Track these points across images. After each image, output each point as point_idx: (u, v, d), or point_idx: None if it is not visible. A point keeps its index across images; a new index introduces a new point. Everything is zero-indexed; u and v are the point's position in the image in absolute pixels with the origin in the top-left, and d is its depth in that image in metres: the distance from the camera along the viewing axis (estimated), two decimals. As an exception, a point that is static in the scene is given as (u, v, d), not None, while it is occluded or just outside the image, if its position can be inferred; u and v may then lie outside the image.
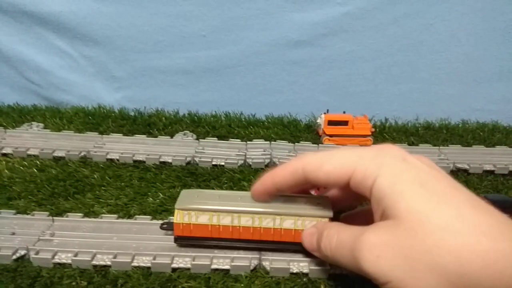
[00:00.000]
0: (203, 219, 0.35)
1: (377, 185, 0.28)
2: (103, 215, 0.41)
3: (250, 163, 0.52)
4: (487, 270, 0.24)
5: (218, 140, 0.58)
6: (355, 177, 0.29)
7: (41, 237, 0.37)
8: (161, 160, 0.52)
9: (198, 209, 0.35)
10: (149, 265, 0.35)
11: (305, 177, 0.32)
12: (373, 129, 0.60)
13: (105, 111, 0.66)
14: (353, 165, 0.30)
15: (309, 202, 0.35)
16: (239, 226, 0.35)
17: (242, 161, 0.53)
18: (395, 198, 0.27)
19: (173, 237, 0.36)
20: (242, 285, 0.34)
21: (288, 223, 0.35)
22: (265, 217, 0.35)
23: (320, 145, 0.58)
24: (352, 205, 0.38)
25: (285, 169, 0.33)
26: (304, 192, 0.37)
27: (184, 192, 0.37)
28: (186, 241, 0.36)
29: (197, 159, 0.52)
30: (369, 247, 0.27)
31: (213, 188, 0.47)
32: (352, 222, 0.31)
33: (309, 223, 0.35)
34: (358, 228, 0.29)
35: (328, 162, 0.31)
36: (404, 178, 0.28)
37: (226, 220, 0.35)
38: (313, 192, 0.39)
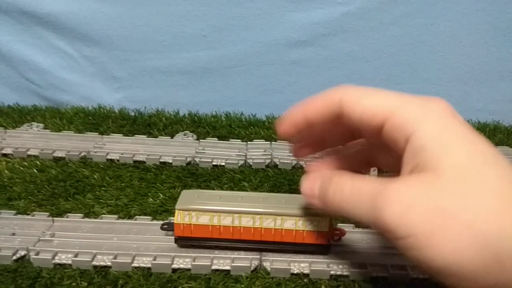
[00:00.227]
0: (204, 219, 0.35)
1: (420, 133, 0.25)
2: (103, 215, 0.41)
3: (251, 163, 0.52)
4: None
5: (219, 140, 0.58)
6: (394, 120, 0.26)
7: (41, 238, 0.37)
8: (161, 160, 0.52)
9: (199, 209, 0.35)
10: (149, 265, 0.35)
11: (340, 110, 0.28)
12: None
13: (105, 111, 0.66)
14: (395, 106, 0.26)
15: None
16: (240, 227, 0.35)
17: (242, 162, 0.53)
18: (440, 150, 0.24)
19: (173, 237, 0.36)
20: (243, 285, 0.34)
21: (289, 224, 0.35)
22: (266, 218, 0.35)
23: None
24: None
25: (320, 98, 0.30)
26: (340, 140, 0.34)
27: (185, 193, 0.37)
28: (186, 241, 0.36)
29: (197, 160, 0.52)
30: (398, 196, 0.24)
31: (213, 189, 0.47)
32: None
33: (310, 224, 0.35)
34: (381, 179, 0.26)
35: (369, 98, 0.28)
36: (453, 132, 0.25)
37: (226, 221, 0.35)
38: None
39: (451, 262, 0.23)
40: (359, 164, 0.34)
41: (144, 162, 0.52)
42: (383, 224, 0.24)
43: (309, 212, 0.35)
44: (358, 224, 0.38)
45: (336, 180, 0.28)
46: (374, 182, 0.26)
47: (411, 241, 0.24)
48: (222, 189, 0.47)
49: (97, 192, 0.45)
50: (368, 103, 0.27)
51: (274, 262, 0.35)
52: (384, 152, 0.31)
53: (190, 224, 0.35)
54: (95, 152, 0.52)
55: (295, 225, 0.35)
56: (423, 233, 0.23)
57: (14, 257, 0.35)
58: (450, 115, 0.26)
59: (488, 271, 0.22)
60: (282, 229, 0.35)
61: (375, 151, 0.33)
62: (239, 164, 0.52)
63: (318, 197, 0.30)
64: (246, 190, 0.47)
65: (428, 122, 0.25)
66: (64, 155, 0.52)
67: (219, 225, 0.35)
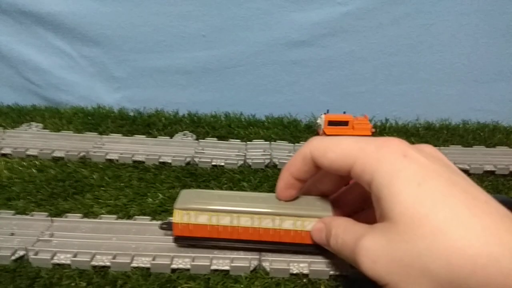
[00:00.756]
0: (203, 219, 0.35)
1: (375, 183, 0.28)
2: (102, 215, 0.41)
3: (250, 163, 0.52)
4: (477, 275, 0.23)
5: (218, 140, 0.58)
6: (355, 170, 0.29)
7: (40, 238, 0.37)
8: (160, 160, 0.52)
9: (198, 209, 0.35)
10: (148, 265, 0.35)
11: (314, 162, 0.32)
12: (373, 130, 0.60)
13: (104, 111, 0.66)
14: (354, 156, 0.29)
15: (309, 203, 0.35)
16: (238, 227, 0.35)
17: (242, 162, 0.52)
18: (391, 200, 0.27)
19: (172, 237, 0.36)
20: (242, 286, 0.34)
21: (288, 224, 0.35)
22: (264, 218, 0.35)
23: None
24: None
25: (296, 157, 0.33)
26: (341, 185, 0.36)
27: (184, 192, 0.36)
28: (185, 241, 0.36)
29: (196, 160, 0.52)
30: (365, 252, 0.27)
31: (212, 189, 0.47)
32: (362, 215, 0.32)
33: (308, 224, 0.34)
34: (360, 228, 0.29)
35: (332, 150, 0.31)
36: (402, 177, 0.27)
37: (225, 220, 0.35)
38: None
39: None
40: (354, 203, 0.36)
41: (143, 162, 0.52)
42: (365, 274, 0.27)
43: (307, 212, 0.35)
44: None
45: (334, 233, 0.32)
46: (354, 235, 0.29)
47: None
48: (221, 189, 0.47)
49: (96, 192, 0.45)
50: (332, 156, 0.31)
51: (273, 262, 0.35)
52: None
53: (189, 223, 0.35)
54: (94, 152, 0.52)
55: (293, 225, 0.35)
56: (393, 282, 0.26)
57: (13, 257, 0.35)
58: (401, 155, 0.28)
59: None
60: (280, 229, 0.35)
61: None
62: (238, 164, 0.52)
63: (328, 245, 0.33)
64: (246, 190, 0.47)
65: (380, 171, 0.28)
66: (63, 155, 0.52)
67: (218, 225, 0.35)
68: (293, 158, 0.34)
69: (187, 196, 0.36)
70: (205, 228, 0.35)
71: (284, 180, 0.34)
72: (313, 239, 0.34)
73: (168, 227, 0.37)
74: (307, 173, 0.33)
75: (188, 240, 0.36)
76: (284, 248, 0.36)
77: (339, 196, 0.37)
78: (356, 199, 0.35)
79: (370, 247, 0.27)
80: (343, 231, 0.31)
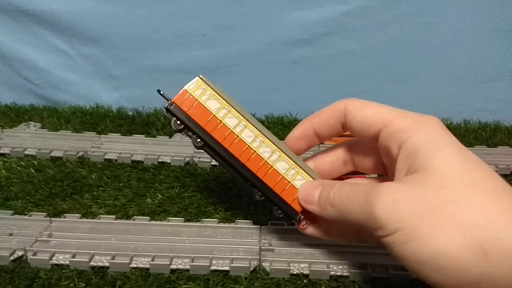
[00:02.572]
0: (212, 104, 0.32)
1: (413, 139, 0.27)
2: (101, 215, 0.41)
3: (250, 163, 0.52)
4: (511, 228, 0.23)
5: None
6: (390, 127, 0.29)
7: (38, 238, 0.37)
8: (159, 160, 0.52)
9: (218, 92, 0.32)
10: (147, 266, 0.35)
11: (344, 118, 0.31)
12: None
13: (103, 110, 0.66)
14: (392, 116, 0.29)
15: (309, 169, 0.34)
16: (237, 136, 0.32)
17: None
18: (432, 153, 0.26)
19: (167, 102, 0.33)
20: (242, 286, 0.34)
21: (282, 166, 0.33)
22: (267, 145, 0.32)
23: (320, 145, 0.57)
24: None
25: (325, 109, 0.32)
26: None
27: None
28: (177, 114, 0.32)
29: (196, 159, 0.52)
30: (388, 190, 0.26)
31: (212, 189, 0.47)
32: None
33: (300, 180, 0.33)
34: (373, 183, 0.29)
35: (370, 107, 0.30)
36: (444, 140, 0.27)
37: (231, 121, 0.32)
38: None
39: (437, 252, 0.24)
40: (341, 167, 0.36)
41: (142, 162, 0.51)
42: (374, 219, 0.26)
43: (307, 169, 0.33)
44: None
45: (339, 185, 0.30)
46: (370, 183, 0.28)
47: (400, 235, 0.25)
48: (221, 189, 0.47)
49: (94, 192, 0.45)
50: (369, 111, 0.30)
51: (274, 263, 0.35)
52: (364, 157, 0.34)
53: (196, 100, 0.32)
54: (93, 152, 0.52)
55: (286, 171, 0.32)
56: (411, 226, 0.24)
57: (12, 258, 0.35)
58: (441, 128, 0.28)
59: (473, 263, 0.23)
60: (271, 166, 0.32)
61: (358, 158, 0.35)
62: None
63: (317, 201, 0.31)
64: (245, 190, 0.46)
65: (420, 131, 0.27)
66: (61, 155, 0.52)
67: (220, 121, 0.32)
68: (321, 110, 0.33)
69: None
70: (206, 115, 0.32)
71: (301, 128, 0.33)
72: (299, 196, 0.32)
73: (165, 96, 0.33)
74: (330, 127, 0.32)
75: (180, 115, 0.32)
76: (257, 190, 0.33)
77: None
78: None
79: (395, 187, 0.26)
80: (352, 183, 0.30)
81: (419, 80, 0.70)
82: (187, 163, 0.52)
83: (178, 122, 0.33)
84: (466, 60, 0.69)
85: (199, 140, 0.33)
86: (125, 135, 0.57)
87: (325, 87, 0.71)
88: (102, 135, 0.57)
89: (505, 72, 0.69)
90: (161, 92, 0.33)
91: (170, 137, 0.58)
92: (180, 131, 0.33)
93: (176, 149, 0.54)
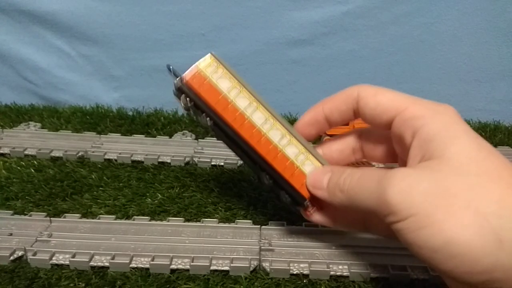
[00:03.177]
0: (224, 84, 0.31)
1: (428, 127, 0.26)
2: (101, 215, 0.41)
3: (250, 163, 0.52)
4: None
5: (218, 140, 0.57)
6: (404, 114, 0.28)
7: (38, 238, 0.37)
8: (159, 160, 0.52)
9: (230, 71, 0.31)
10: (147, 266, 0.35)
11: (357, 105, 0.30)
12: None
13: (103, 110, 0.66)
14: (406, 103, 0.28)
15: (319, 155, 0.33)
16: (247, 118, 0.31)
17: (241, 161, 0.52)
18: (448, 141, 0.25)
19: (175, 81, 0.31)
20: (242, 286, 0.34)
21: (291, 150, 0.32)
22: (277, 129, 0.32)
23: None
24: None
25: (338, 94, 0.32)
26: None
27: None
28: (186, 91, 0.31)
29: (196, 159, 0.52)
30: (402, 175, 0.25)
31: (212, 189, 0.47)
32: None
33: (309, 165, 0.32)
34: (385, 169, 0.28)
35: (383, 93, 0.30)
36: (460, 129, 0.26)
37: (242, 102, 0.31)
38: None
39: (451, 239, 0.23)
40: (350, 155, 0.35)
41: (142, 162, 0.51)
42: (385, 204, 0.25)
43: (317, 155, 0.32)
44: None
45: (350, 171, 0.29)
46: (382, 169, 0.27)
47: (412, 221, 0.24)
48: (221, 189, 0.47)
49: (94, 192, 0.45)
50: (382, 98, 0.29)
51: (274, 263, 0.35)
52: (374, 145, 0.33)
53: (207, 78, 0.31)
54: (93, 152, 0.52)
55: (295, 156, 0.32)
56: (425, 212, 0.24)
57: (12, 258, 0.35)
58: (457, 117, 0.27)
59: (487, 252, 0.23)
60: (281, 150, 0.31)
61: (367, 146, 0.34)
62: (238, 164, 0.52)
63: (326, 187, 0.30)
64: (246, 189, 0.46)
65: (435, 119, 0.27)
66: (61, 155, 0.52)
67: (231, 101, 0.31)
68: (333, 95, 0.32)
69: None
70: (217, 95, 0.31)
71: (312, 113, 0.33)
72: (308, 181, 0.32)
73: (175, 73, 0.32)
74: (341, 114, 0.31)
75: (189, 92, 0.31)
76: (265, 173, 0.32)
77: None
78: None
79: (409, 173, 0.25)
80: (364, 169, 0.29)
81: (419, 80, 0.70)
82: (187, 163, 0.52)
83: (188, 99, 0.31)
84: (466, 60, 0.69)
85: (208, 119, 0.31)
86: (125, 135, 0.57)
87: (325, 87, 0.71)
88: (102, 135, 0.57)
89: (505, 72, 0.69)
90: (171, 67, 0.32)
91: (170, 137, 0.58)
92: (188, 109, 0.32)
93: (176, 149, 0.54)
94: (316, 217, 0.34)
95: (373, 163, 0.37)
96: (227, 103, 0.31)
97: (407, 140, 0.28)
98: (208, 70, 0.31)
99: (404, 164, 0.28)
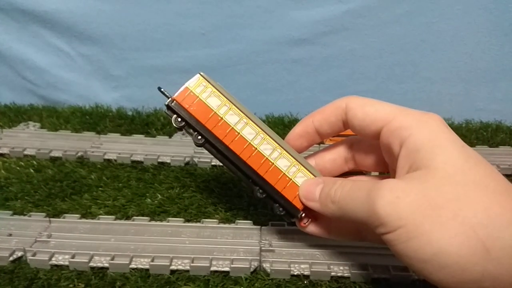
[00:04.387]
0: (213, 102, 0.32)
1: (415, 137, 0.27)
2: (100, 216, 0.41)
3: (250, 163, 0.52)
4: None
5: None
6: (392, 125, 0.28)
7: (38, 239, 0.37)
8: (159, 160, 0.51)
9: (218, 89, 0.32)
10: (147, 267, 0.34)
11: (346, 114, 0.31)
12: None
13: (102, 110, 0.66)
14: (394, 114, 0.29)
15: (311, 166, 0.34)
16: (238, 133, 0.32)
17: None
18: (434, 150, 0.26)
19: (168, 99, 0.33)
20: (242, 287, 0.33)
21: (283, 163, 0.32)
22: (268, 143, 0.32)
23: (321, 144, 0.57)
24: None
25: (327, 106, 0.32)
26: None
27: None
28: (178, 111, 0.32)
29: (196, 160, 0.52)
30: (390, 187, 0.26)
31: (213, 189, 0.47)
32: None
33: (301, 177, 0.33)
34: (374, 179, 0.29)
35: (371, 104, 0.30)
36: (446, 138, 0.27)
37: (232, 118, 0.32)
38: None
39: (439, 250, 0.23)
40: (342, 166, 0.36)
41: (142, 162, 0.51)
42: (375, 216, 0.25)
43: (309, 166, 0.33)
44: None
45: (340, 182, 0.30)
46: (372, 180, 0.28)
47: (401, 232, 0.24)
48: (221, 189, 0.47)
49: (94, 193, 0.45)
50: (370, 109, 0.30)
51: (274, 263, 0.35)
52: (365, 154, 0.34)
53: (197, 97, 0.32)
54: (92, 152, 0.52)
55: (287, 168, 0.32)
56: (413, 223, 0.24)
57: (11, 258, 0.35)
58: (443, 125, 0.28)
59: (474, 261, 0.23)
60: (273, 163, 0.32)
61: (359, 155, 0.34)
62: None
63: (318, 198, 0.31)
64: (246, 191, 0.46)
65: (422, 129, 0.27)
66: (61, 155, 0.52)
67: (221, 118, 0.32)
68: (322, 107, 0.32)
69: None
70: (208, 112, 0.32)
71: (302, 126, 0.33)
72: (300, 192, 0.32)
73: (166, 95, 0.33)
74: (331, 125, 0.32)
75: (181, 112, 0.32)
76: (258, 187, 0.33)
77: None
78: None
79: (397, 184, 0.26)
80: (354, 181, 0.30)
81: (420, 80, 0.70)
82: (187, 163, 0.52)
83: (179, 119, 0.33)
84: (467, 60, 0.68)
85: (200, 137, 0.33)
86: (124, 135, 0.57)
87: (326, 87, 0.71)
88: (101, 135, 0.57)
89: (506, 71, 0.69)
90: (162, 90, 0.33)
91: (170, 137, 0.58)
92: (180, 128, 0.33)
93: (176, 149, 0.54)
94: (311, 228, 0.34)
95: (367, 173, 0.38)
96: (217, 120, 0.32)
97: (395, 150, 0.28)
98: (198, 90, 0.32)
99: (394, 172, 0.29)
